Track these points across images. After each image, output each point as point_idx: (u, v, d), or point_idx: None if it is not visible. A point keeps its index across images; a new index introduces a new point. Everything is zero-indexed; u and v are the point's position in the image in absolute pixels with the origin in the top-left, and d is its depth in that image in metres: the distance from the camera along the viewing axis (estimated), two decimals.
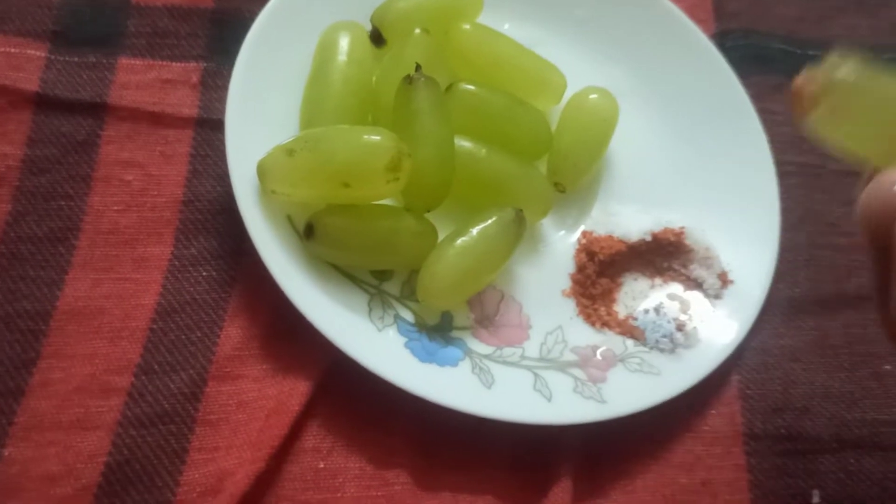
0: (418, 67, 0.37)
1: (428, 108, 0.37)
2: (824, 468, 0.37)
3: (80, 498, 0.31)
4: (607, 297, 0.40)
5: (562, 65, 0.43)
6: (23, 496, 0.31)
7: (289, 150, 0.35)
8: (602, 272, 0.40)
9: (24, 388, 0.33)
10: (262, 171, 0.35)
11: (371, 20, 0.41)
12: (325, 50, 0.39)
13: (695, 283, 0.40)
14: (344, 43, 0.39)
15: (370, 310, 0.36)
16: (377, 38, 0.41)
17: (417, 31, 0.39)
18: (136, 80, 0.40)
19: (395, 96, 0.37)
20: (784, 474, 0.36)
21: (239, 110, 0.37)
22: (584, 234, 0.41)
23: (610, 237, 0.40)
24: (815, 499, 0.36)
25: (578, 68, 0.43)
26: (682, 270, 0.40)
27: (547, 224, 0.41)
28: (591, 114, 0.41)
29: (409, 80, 0.37)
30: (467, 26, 0.41)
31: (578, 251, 0.40)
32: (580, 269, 0.40)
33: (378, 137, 0.35)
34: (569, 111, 0.41)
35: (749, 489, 0.36)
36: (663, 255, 0.41)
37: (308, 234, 0.35)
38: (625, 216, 0.41)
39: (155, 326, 0.35)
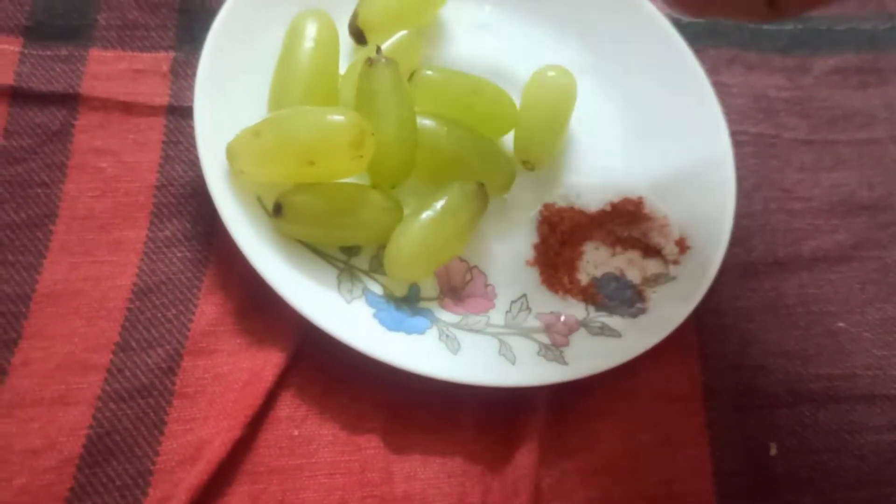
0: (379, 49, 0.39)
1: (389, 88, 0.38)
2: (781, 422, 0.38)
3: (62, 469, 0.32)
4: (569, 265, 0.41)
5: (519, 44, 0.44)
6: (7, 469, 0.32)
7: (255, 132, 0.36)
8: (564, 242, 0.41)
9: (6, 368, 0.34)
10: (231, 152, 0.36)
11: (356, 22, 0.42)
12: (294, 37, 0.40)
13: (654, 250, 0.42)
14: (311, 30, 0.40)
15: (339, 283, 0.37)
16: (359, 37, 0.42)
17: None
18: (108, 70, 0.41)
19: (358, 78, 0.38)
20: (743, 429, 0.38)
21: (207, 96, 0.38)
22: (546, 206, 0.42)
23: (571, 208, 0.42)
24: (773, 451, 0.38)
25: (536, 47, 0.45)
26: (642, 238, 0.42)
27: (511, 198, 0.42)
28: (551, 91, 0.43)
29: (370, 62, 0.38)
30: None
31: (541, 223, 0.41)
32: (543, 239, 0.41)
33: (341, 117, 0.36)
34: (530, 90, 0.43)
35: (709, 444, 0.37)
36: (623, 224, 0.42)
37: (277, 213, 0.36)
38: (585, 188, 0.43)
39: (132, 306, 0.36)
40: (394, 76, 0.38)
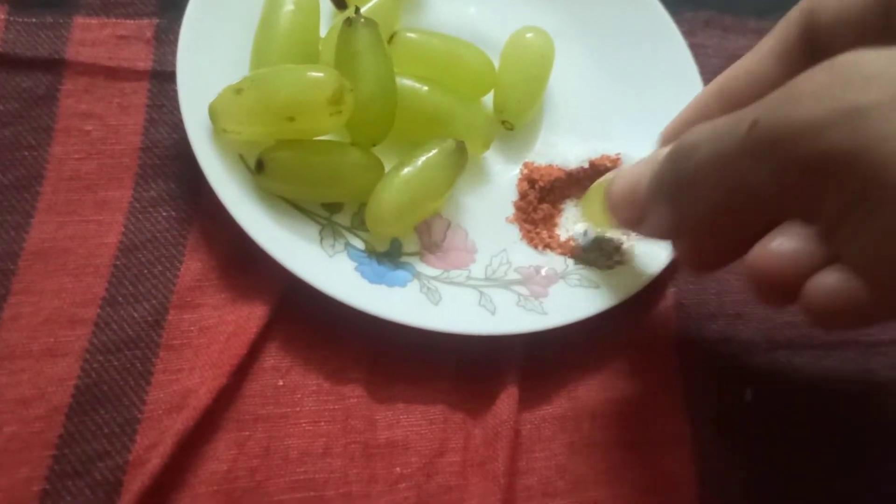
0: (357, 10, 0.39)
1: (368, 47, 0.39)
2: (756, 368, 0.39)
3: (52, 418, 0.33)
4: (549, 221, 0.42)
5: (498, 9, 0.45)
6: None
7: (237, 90, 0.37)
8: (543, 198, 0.42)
9: None
10: (213, 111, 0.37)
11: None
12: (274, 1, 0.41)
13: None
14: None
15: (321, 238, 0.38)
16: (339, 1, 0.43)
17: None
18: (92, 37, 0.42)
19: (337, 38, 0.39)
20: (718, 375, 0.39)
21: (189, 59, 0.39)
22: (526, 164, 0.43)
23: (550, 166, 0.43)
24: (748, 396, 0.38)
25: (514, 12, 0.46)
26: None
27: (491, 157, 0.43)
28: (529, 52, 0.43)
29: (349, 22, 0.39)
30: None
31: (520, 180, 0.42)
32: (522, 196, 0.42)
33: (320, 73, 0.37)
34: (508, 51, 0.44)
35: (685, 389, 0.38)
36: None
37: (259, 169, 0.37)
38: (564, 146, 0.44)
39: (118, 262, 0.37)
40: (372, 36, 0.39)
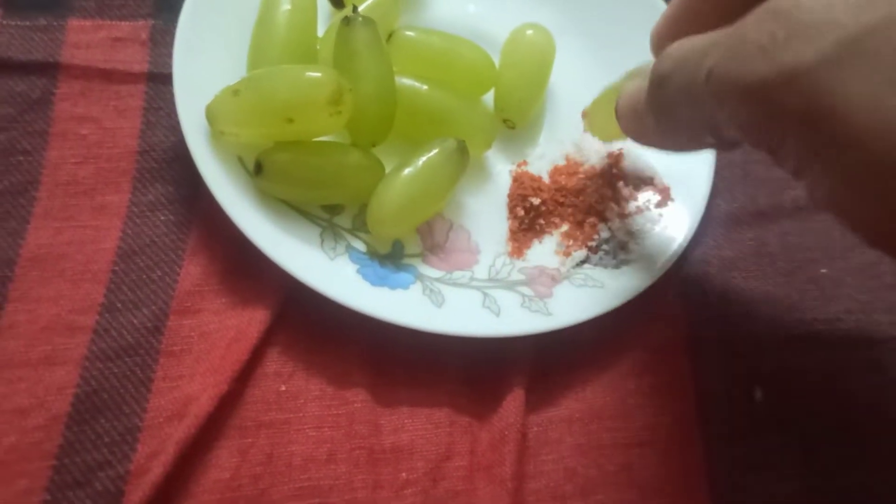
0: (355, 9, 0.39)
1: (366, 46, 0.38)
2: (765, 367, 0.39)
3: (51, 427, 0.33)
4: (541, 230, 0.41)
5: (498, 7, 0.45)
6: None
7: (234, 91, 0.36)
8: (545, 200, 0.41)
9: None
10: (211, 113, 0.37)
11: None
12: (271, 0, 0.40)
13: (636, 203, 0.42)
14: None
15: (322, 241, 0.37)
16: (337, 0, 0.43)
17: None
18: (87, 39, 0.41)
19: (335, 38, 0.39)
20: (727, 375, 0.38)
21: (186, 60, 0.38)
22: (519, 164, 0.42)
23: (539, 178, 0.42)
24: (758, 396, 0.38)
25: (514, 9, 0.45)
26: (623, 191, 0.42)
27: (493, 157, 0.43)
28: (530, 49, 0.43)
29: (347, 20, 0.38)
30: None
31: (511, 192, 0.42)
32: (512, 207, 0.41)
33: (319, 73, 0.36)
34: (508, 48, 0.43)
35: (694, 389, 0.38)
36: (606, 179, 0.42)
37: (258, 171, 0.37)
38: (567, 144, 0.43)
39: (116, 268, 0.37)
40: (371, 35, 0.38)
